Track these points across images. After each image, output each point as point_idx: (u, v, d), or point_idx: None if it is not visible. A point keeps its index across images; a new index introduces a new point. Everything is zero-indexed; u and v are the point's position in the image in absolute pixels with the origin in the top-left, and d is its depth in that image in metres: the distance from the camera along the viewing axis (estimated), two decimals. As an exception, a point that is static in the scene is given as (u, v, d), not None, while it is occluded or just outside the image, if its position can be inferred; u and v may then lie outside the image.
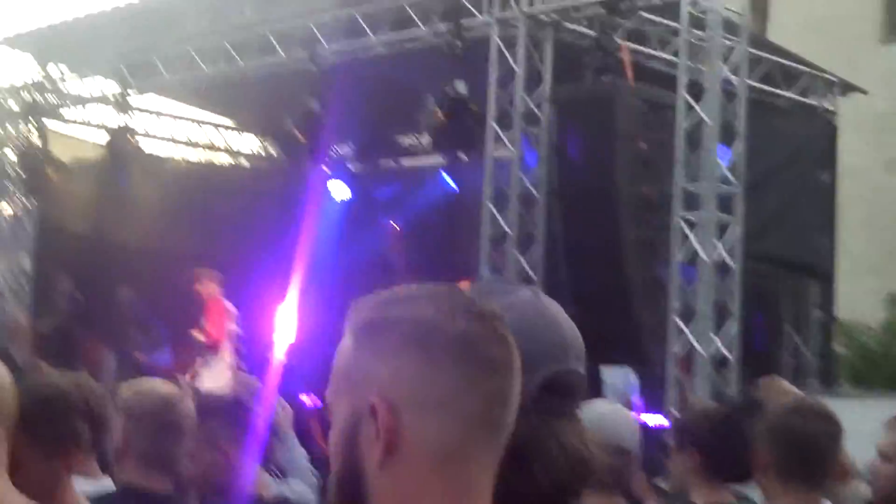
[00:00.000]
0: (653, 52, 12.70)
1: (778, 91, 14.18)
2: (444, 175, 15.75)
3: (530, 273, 11.87)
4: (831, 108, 14.92)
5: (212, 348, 14.16)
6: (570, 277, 11.34)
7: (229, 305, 14.41)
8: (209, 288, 14.22)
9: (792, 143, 14.05)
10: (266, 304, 16.07)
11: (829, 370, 15.19)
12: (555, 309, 2.08)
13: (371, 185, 18.22)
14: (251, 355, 14.95)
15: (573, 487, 2.05)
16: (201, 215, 18.06)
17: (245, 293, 15.77)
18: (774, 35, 24.26)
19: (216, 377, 13.45)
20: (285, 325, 16.19)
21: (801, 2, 27.20)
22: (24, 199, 17.62)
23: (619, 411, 4.49)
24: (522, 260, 11.96)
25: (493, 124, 12.15)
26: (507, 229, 12.02)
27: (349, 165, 18.53)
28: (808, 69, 14.72)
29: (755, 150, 12.86)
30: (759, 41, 14.83)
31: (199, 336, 14.13)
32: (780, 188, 13.41)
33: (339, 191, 18.24)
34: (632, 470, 4.29)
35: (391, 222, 17.73)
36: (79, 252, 17.13)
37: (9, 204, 17.48)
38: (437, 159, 16.09)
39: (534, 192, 11.97)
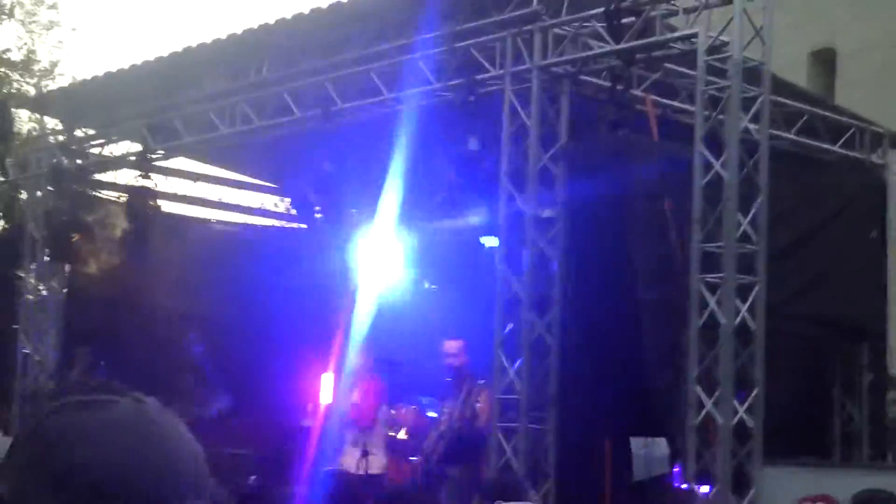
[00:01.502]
0: (680, 104, 12.15)
1: (824, 145, 13.51)
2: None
3: (546, 338, 11.28)
4: (881, 161, 14.18)
5: None
6: (583, 342, 10.73)
7: None
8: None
9: (839, 199, 13.42)
10: (303, 370, 15.85)
11: (882, 437, 14.40)
12: (166, 424, 1.58)
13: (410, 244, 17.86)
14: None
15: None
16: (231, 277, 17.94)
17: (280, 358, 15.59)
18: (842, 90, 23.59)
19: None
20: (326, 391, 16.00)
21: (868, 54, 26.30)
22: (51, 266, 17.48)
23: None
24: (539, 323, 11.40)
25: (506, 181, 11.64)
26: (519, 292, 11.46)
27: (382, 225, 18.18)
28: (855, 122, 14.03)
29: (800, 206, 12.28)
30: (800, 93, 14.17)
31: None
32: (826, 246, 12.79)
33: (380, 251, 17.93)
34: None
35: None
36: (104, 316, 17.00)
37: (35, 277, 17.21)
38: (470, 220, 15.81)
39: (548, 252, 11.39)
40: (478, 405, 12.73)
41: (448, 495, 12.55)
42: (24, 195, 17.64)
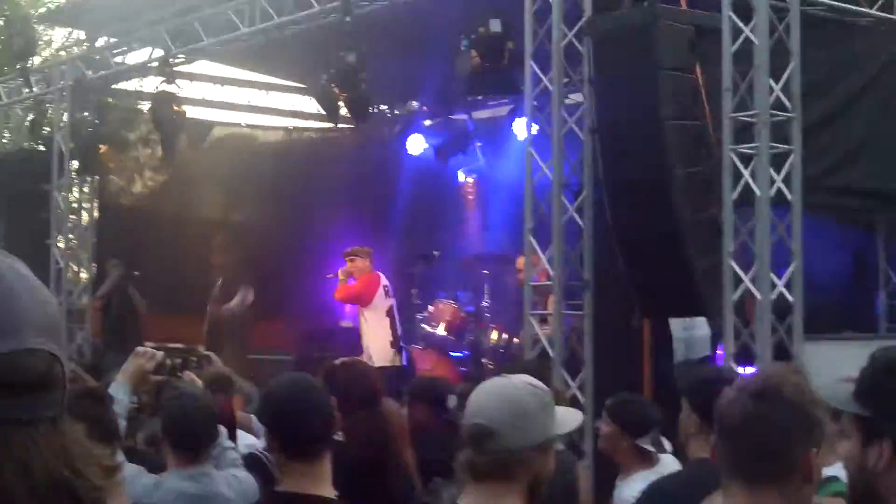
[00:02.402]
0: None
1: (859, 8, 12.95)
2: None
3: (577, 219, 10.99)
4: (920, 21, 13.59)
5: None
6: (616, 222, 10.39)
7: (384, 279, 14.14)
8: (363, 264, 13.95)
9: (876, 66, 12.90)
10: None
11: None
12: (11, 271, 1.49)
13: (442, 137, 17.69)
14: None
15: None
16: (267, 182, 17.91)
17: (317, 260, 15.51)
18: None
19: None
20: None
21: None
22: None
23: (499, 384, 3.76)
24: (569, 206, 11.10)
25: (531, 63, 11.28)
26: (548, 173, 11.15)
27: (416, 119, 18.01)
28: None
29: (835, 75, 11.83)
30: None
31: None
32: (864, 115, 12.31)
33: (414, 146, 17.81)
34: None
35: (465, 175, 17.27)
36: (135, 226, 16.97)
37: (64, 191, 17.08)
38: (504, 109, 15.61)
39: (577, 132, 11.05)
40: None
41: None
42: (49, 108, 17.39)
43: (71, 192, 17.07)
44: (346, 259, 14.03)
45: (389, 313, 13.86)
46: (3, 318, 1.40)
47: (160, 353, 5.61)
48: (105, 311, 16.25)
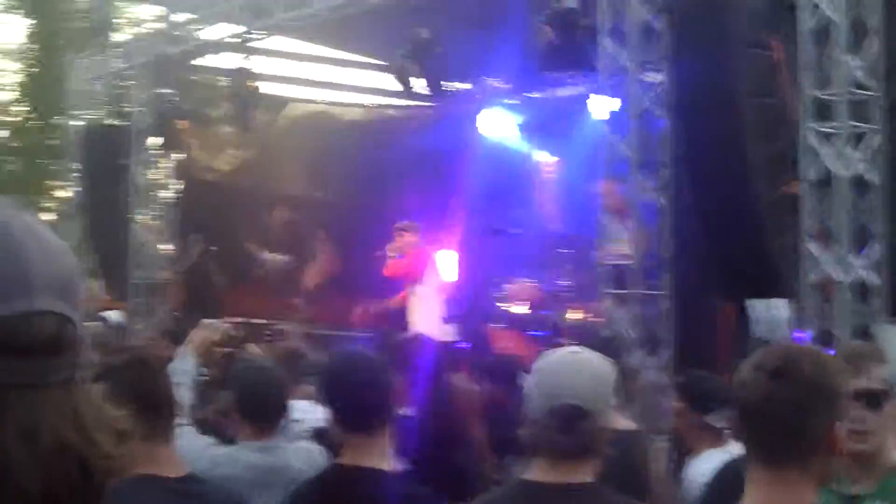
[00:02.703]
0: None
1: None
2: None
3: (655, 198, 10.89)
4: None
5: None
6: (694, 201, 10.28)
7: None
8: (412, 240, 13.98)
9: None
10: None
11: None
12: (22, 227, 1.42)
13: (519, 115, 17.61)
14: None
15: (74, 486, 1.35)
16: (346, 159, 17.94)
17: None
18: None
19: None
20: (447, 266, 15.93)
21: None
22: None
23: (581, 361, 3.68)
24: (648, 184, 11.01)
25: (607, 39, 11.18)
26: (625, 152, 11.06)
27: (494, 96, 17.93)
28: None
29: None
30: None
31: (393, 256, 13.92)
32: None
33: (492, 123, 17.75)
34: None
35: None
36: (215, 202, 17.08)
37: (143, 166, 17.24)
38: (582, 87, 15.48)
39: (654, 110, 10.94)
40: None
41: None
42: (129, 84, 17.55)
43: (150, 167, 17.21)
44: (396, 234, 13.98)
45: (442, 289, 13.86)
46: (10, 277, 1.36)
47: (225, 325, 5.64)
48: (184, 286, 16.38)
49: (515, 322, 14.62)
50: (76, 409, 1.37)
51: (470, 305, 14.74)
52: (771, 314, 11.13)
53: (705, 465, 5.64)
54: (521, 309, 14.71)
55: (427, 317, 13.60)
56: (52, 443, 1.32)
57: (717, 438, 6.05)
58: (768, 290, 10.34)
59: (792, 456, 2.93)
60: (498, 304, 14.90)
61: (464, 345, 14.15)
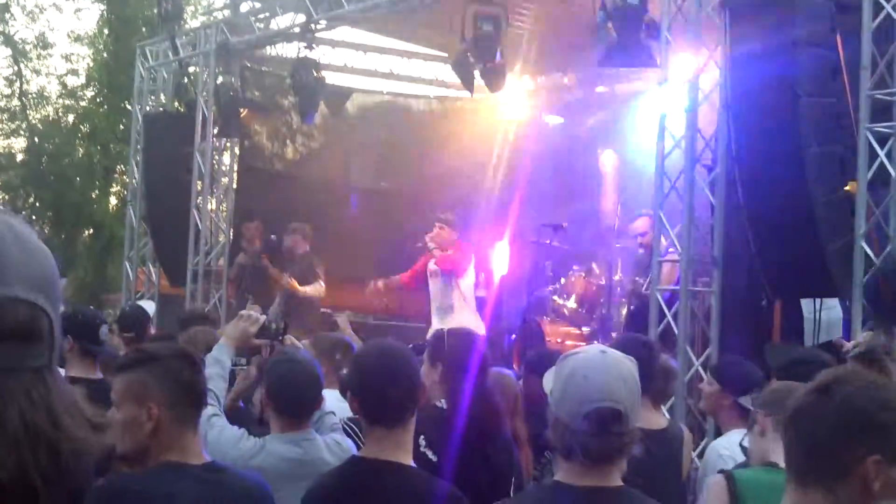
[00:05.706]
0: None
1: None
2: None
3: (709, 196, 10.83)
4: None
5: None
6: (748, 200, 10.20)
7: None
8: (449, 234, 13.88)
9: None
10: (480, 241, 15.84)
11: None
12: (2, 226, 1.49)
13: (580, 110, 17.58)
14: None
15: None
16: (411, 150, 17.97)
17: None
18: None
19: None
20: (500, 259, 15.95)
21: None
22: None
23: (612, 363, 3.65)
24: (703, 182, 10.96)
25: (667, 35, 11.13)
26: (680, 149, 11.01)
27: (556, 91, 17.94)
28: None
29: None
30: None
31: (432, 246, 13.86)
32: None
33: (553, 118, 17.77)
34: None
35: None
36: (275, 191, 17.15)
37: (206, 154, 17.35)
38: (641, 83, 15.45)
39: (711, 107, 10.89)
40: None
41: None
42: (193, 72, 17.67)
43: (213, 154, 17.33)
44: (436, 226, 13.90)
45: (478, 285, 13.86)
46: None
47: (263, 317, 5.68)
48: (241, 274, 16.46)
49: (566, 316, 14.58)
50: (47, 395, 1.40)
51: (524, 299, 14.71)
52: (824, 315, 11.05)
53: (735, 438, 5.89)
54: (572, 303, 14.66)
55: (472, 310, 13.59)
56: (20, 426, 1.35)
57: (746, 419, 6.10)
58: (821, 290, 10.26)
59: (816, 476, 2.81)
60: (552, 297, 14.85)
61: (512, 338, 14.15)
